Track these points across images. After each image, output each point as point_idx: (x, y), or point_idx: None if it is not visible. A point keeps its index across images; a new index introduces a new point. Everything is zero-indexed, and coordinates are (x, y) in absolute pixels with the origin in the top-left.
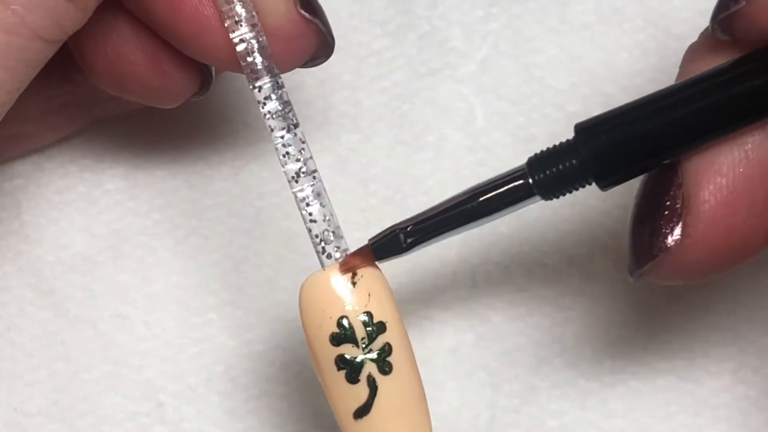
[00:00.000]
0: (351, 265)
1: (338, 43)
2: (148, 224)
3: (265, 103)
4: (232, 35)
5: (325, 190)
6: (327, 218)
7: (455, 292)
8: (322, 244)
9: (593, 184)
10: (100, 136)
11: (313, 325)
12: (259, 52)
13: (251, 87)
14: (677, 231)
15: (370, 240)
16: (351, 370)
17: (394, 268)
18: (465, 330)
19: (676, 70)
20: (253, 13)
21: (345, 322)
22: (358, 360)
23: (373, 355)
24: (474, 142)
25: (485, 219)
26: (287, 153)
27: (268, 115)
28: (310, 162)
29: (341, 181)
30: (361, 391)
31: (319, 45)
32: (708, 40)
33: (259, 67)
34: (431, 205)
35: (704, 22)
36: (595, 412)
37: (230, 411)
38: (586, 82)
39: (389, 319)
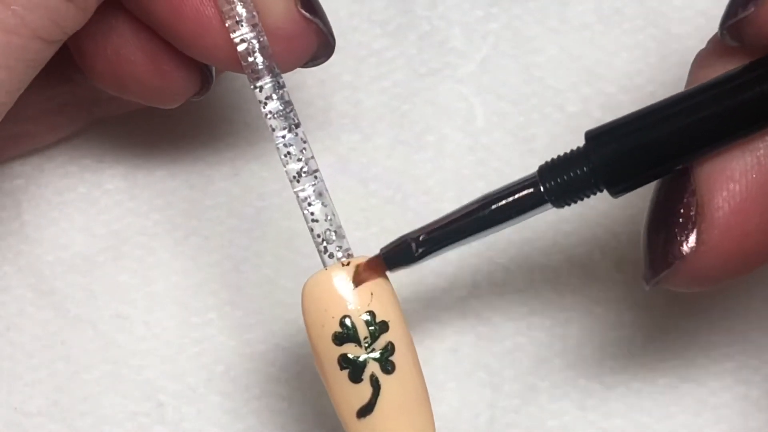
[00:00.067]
0: (363, 277)
1: (338, 42)
2: (148, 224)
3: (266, 103)
4: (232, 35)
5: (326, 190)
6: (329, 218)
7: (455, 292)
8: (324, 243)
9: (605, 191)
10: (100, 137)
11: (316, 325)
12: (260, 52)
13: (252, 87)
14: (692, 238)
15: (381, 250)
16: (354, 369)
17: None
18: (465, 330)
19: (676, 70)
20: (254, 13)
21: (347, 321)
22: (360, 359)
23: (376, 354)
24: (474, 141)
25: (497, 227)
26: (289, 153)
27: (269, 115)
28: (311, 162)
29: (342, 180)
30: (364, 390)
31: (319, 45)
32: (717, 47)
33: (260, 67)
34: (446, 213)
35: (704, 22)
36: (596, 412)
37: (230, 411)
38: (586, 82)
39: (392, 318)
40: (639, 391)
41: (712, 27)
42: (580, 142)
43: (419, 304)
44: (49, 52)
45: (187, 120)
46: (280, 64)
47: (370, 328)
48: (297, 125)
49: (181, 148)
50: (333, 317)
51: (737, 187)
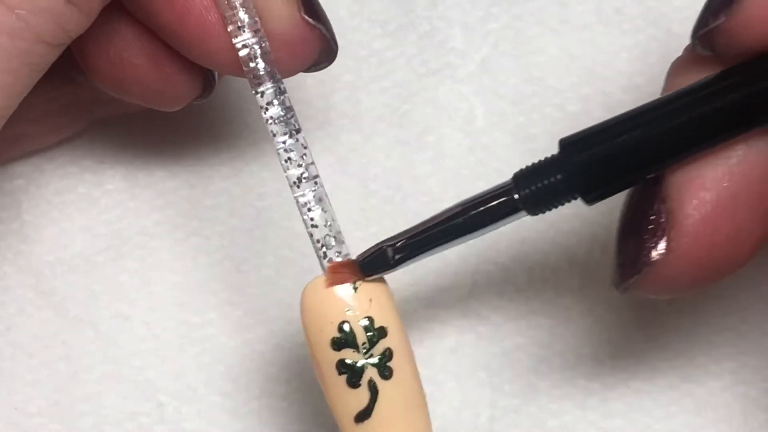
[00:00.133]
0: (334, 280)
1: (339, 43)
2: (148, 224)
3: (267, 109)
4: (234, 40)
5: (326, 195)
6: (328, 223)
7: (455, 291)
8: (324, 249)
9: (579, 199)
10: (101, 137)
11: (315, 330)
12: (262, 57)
13: (254, 92)
14: (661, 245)
15: (358, 256)
16: (352, 374)
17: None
18: (465, 330)
19: None
20: (256, 19)
21: (346, 326)
22: (359, 365)
23: (374, 359)
24: (474, 142)
25: (473, 234)
26: (289, 158)
27: (270, 121)
28: (311, 167)
29: (341, 180)
30: (362, 395)
31: (322, 50)
32: (691, 55)
33: (262, 72)
34: (422, 220)
35: None
36: (596, 411)
37: (231, 411)
38: (586, 82)
39: (390, 324)
40: (639, 390)
41: None
42: None
43: (419, 304)
44: (52, 56)
45: (188, 120)
46: (282, 69)
47: (369, 333)
48: (298, 131)
49: (182, 148)
50: (332, 322)
51: (708, 196)
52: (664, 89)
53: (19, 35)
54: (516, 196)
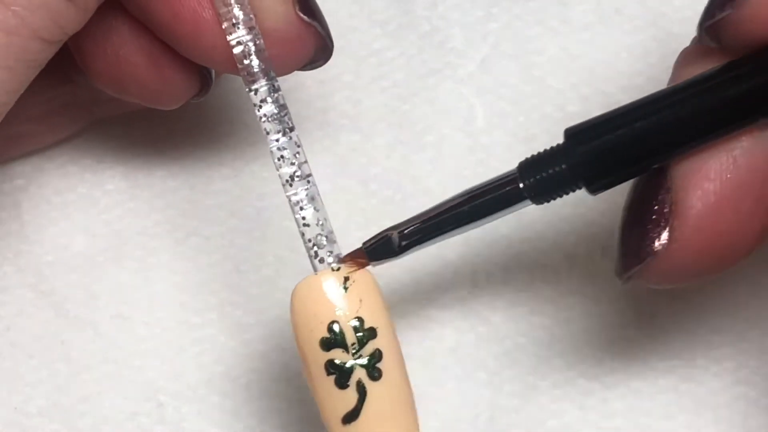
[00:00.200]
0: (344, 265)
1: (338, 43)
2: (148, 225)
3: (260, 106)
4: (229, 38)
5: (319, 195)
6: (320, 222)
7: (455, 292)
8: (315, 248)
9: (583, 188)
10: (101, 137)
11: (304, 329)
12: (256, 54)
13: (247, 90)
14: (664, 235)
15: (364, 243)
16: (340, 375)
17: (394, 268)
18: (465, 330)
19: None
20: (251, 16)
21: (335, 327)
22: (347, 365)
23: (363, 360)
24: (474, 142)
25: (477, 222)
26: (282, 156)
27: (263, 118)
28: (304, 166)
29: (341, 181)
30: (350, 396)
31: (317, 48)
32: (698, 46)
33: (256, 69)
34: (427, 208)
35: None
36: (596, 412)
37: (230, 411)
38: (586, 82)
39: (380, 325)
40: (639, 391)
41: None
42: None
43: (419, 304)
44: (49, 53)
45: (188, 121)
46: (277, 67)
47: (358, 334)
48: (291, 129)
49: (182, 148)
50: (321, 322)
51: (712, 187)
52: (671, 80)
53: (15, 32)
54: (521, 185)
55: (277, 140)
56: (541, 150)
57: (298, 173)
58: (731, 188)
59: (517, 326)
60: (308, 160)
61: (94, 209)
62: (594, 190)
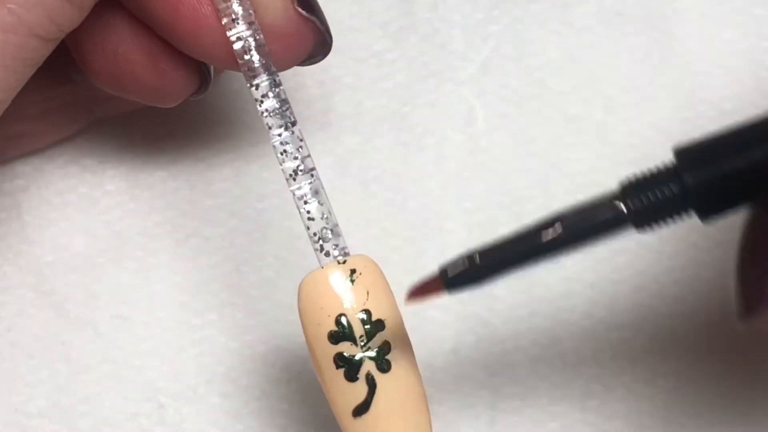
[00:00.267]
0: (420, 296)
1: (339, 44)
2: (148, 225)
3: (262, 101)
4: (229, 33)
5: (323, 188)
6: (325, 216)
7: (456, 293)
8: (320, 242)
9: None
10: (101, 137)
11: (312, 324)
12: (256, 49)
13: (248, 85)
14: None
15: (440, 268)
16: (350, 368)
17: (394, 268)
18: (465, 331)
19: (677, 73)
20: (251, 11)
21: (343, 320)
22: (356, 358)
23: (372, 353)
24: (475, 144)
25: (570, 251)
26: (285, 151)
27: (265, 113)
28: (308, 160)
29: (342, 182)
30: (360, 389)
31: (316, 43)
32: None
33: (256, 65)
34: (513, 231)
35: (706, 24)
36: (596, 413)
37: (231, 412)
38: (587, 84)
39: (388, 316)
40: (639, 393)
41: (714, 29)
42: (581, 143)
43: (419, 305)
44: (46, 51)
45: (188, 121)
46: (276, 62)
47: (366, 326)
48: (293, 123)
49: (182, 149)
50: (329, 316)
51: None
52: None
53: (11, 29)
54: (623, 209)
55: (280, 135)
56: (646, 170)
57: (301, 167)
58: None
59: (517, 328)
60: None
61: (94, 210)
62: (707, 218)
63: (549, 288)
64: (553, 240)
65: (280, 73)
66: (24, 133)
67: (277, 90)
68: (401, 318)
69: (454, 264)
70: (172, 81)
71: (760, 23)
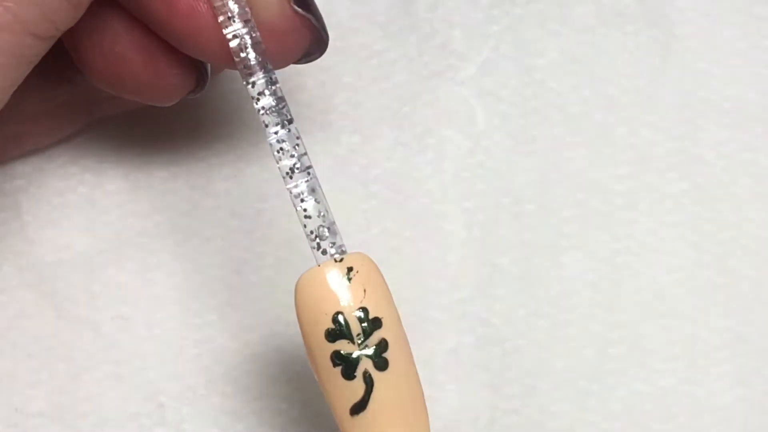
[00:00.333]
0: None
1: (339, 44)
2: (148, 225)
3: (258, 99)
4: (225, 31)
5: (320, 186)
6: (322, 214)
7: (455, 293)
8: (317, 240)
9: None
10: (101, 137)
11: (309, 322)
12: (253, 47)
13: (245, 83)
14: None
15: None
16: (347, 366)
17: (394, 268)
18: (465, 331)
19: (678, 72)
20: (247, 9)
21: (340, 318)
22: (353, 356)
23: (369, 351)
24: (475, 144)
25: None
26: (281, 149)
27: (261, 111)
28: (304, 158)
29: (342, 182)
30: (358, 387)
31: (312, 41)
32: None
33: (253, 62)
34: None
35: (707, 23)
36: (596, 413)
37: (231, 412)
38: (587, 84)
39: (385, 314)
40: (639, 392)
41: (714, 28)
42: (581, 143)
43: (419, 305)
44: (42, 49)
45: (189, 121)
46: (273, 60)
47: (363, 324)
48: (290, 121)
49: (182, 149)
50: (326, 314)
51: None
52: None
53: (7, 28)
54: None
55: (276, 133)
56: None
57: (297, 165)
58: None
59: (517, 328)
60: None
61: (94, 210)
62: None
63: (549, 288)
64: None
65: (278, 71)
66: (24, 133)
67: (273, 88)
68: (398, 316)
69: None
70: (169, 79)
71: (760, 23)
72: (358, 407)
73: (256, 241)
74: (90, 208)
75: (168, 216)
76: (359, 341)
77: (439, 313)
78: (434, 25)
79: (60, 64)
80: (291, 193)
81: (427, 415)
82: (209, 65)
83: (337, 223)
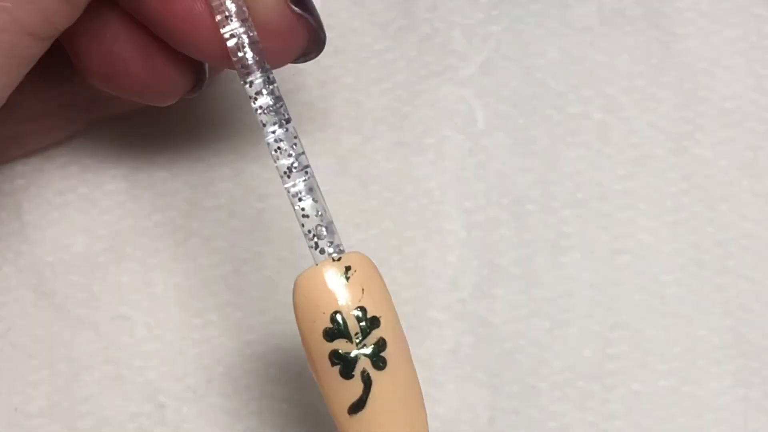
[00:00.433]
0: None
1: (339, 44)
2: (149, 225)
3: (256, 98)
4: (222, 30)
5: (318, 186)
6: (320, 213)
7: (455, 293)
8: (315, 239)
9: None
10: (101, 137)
11: (307, 321)
12: (250, 47)
13: (242, 82)
14: None
15: None
16: (345, 365)
17: (394, 268)
18: (465, 331)
19: (678, 72)
20: (244, 9)
21: (338, 317)
22: (351, 355)
23: (367, 350)
24: (474, 144)
25: None
26: (279, 148)
27: (259, 110)
28: (302, 157)
29: (341, 182)
30: (356, 386)
31: (310, 40)
32: None
33: (250, 62)
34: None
35: (707, 23)
36: (595, 413)
37: (231, 412)
38: (587, 83)
39: (383, 314)
40: (639, 392)
41: (714, 28)
42: (582, 143)
43: (419, 305)
44: (39, 49)
45: (189, 121)
46: (270, 59)
47: (361, 323)
48: (288, 120)
49: (183, 149)
50: (324, 313)
51: None
52: None
53: (4, 28)
54: None
55: (274, 132)
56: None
57: (295, 164)
58: None
59: (516, 328)
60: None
61: (94, 210)
62: None
63: (549, 288)
64: None
65: (278, 71)
66: (23, 133)
67: (271, 87)
68: (397, 315)
69: None
70: (167, 79)
71: (760, 23)
72: (357, 406)
73: (257, 241)
74: (90, 208)
75: (168, 216)
76: (357, 340)
77: (438, 313)
78: (434, 25)
79: (59, 64)
80: (289, 192)
81: (425, 414)
82: (207, 65)
83: (336, 223)
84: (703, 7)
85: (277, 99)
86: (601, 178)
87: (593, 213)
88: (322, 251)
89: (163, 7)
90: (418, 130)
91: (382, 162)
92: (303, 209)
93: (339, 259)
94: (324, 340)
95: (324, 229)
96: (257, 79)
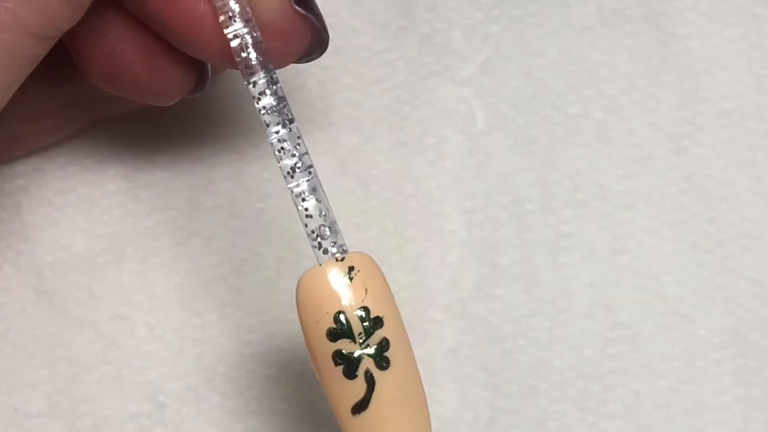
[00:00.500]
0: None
1: (339, 44)
2: (149, 225)
3: (259, 99)
4: (226, 31)
5: (321, 186)
6: (323, 213)
7: (455, 293)
8: (319, 239)
9: None
10: (101, 137)
11: (310, 321)
12: (254, 47)
13: (246, 83)
14: None
15: None
16: (348, 365)
17: (394, 268)
18: (465, 331)
19: (677, 72)
20: (247, 9)
21: (342, 317)
22: (355, 355)
23: (371, 350)
24: (474, 144)
25: None
26: (282, 148)
27: (263, 111)
28: (305, 157)
29: (342, 182)
30: (359, 386)
31: (313, 40)
32: None
33: (254, 62)
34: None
35: (706, 23)
36: (595, 413)
37: (231, 412)
38: (587, 83)
39: (386, 314)
40: (638, 392)
41: (714, 28)
42: (582, 143)
43: (419, 305)
44: (42, 50)
45: (189, 121)
46: (273, 59)
47: (365, 323)
48: (291, 120)
49: (183, 149)
50: (327, 313)
51: None
52: None
53: (7, 28)
54: None
55: (277, 132)
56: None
57: (299, 165)
58: None
59: (516, 328)
60: None
61: (94, 210)
62: None
63: (549, 288)
64: None
65: (279, 71)
66: (24, 133)
67: (274, 87)
68: (400, 315)
69: None
70: (169, 79)
71: (760, 23)
72: (360, 406)
73: (257, 241)
74: (90, 208)
75: (168, 216)
76: (361, 340)
77: (439, 313)
78: (434, 26)
79: (61, 64)
80: (292, 192)
81: (428, 414)
82: (210, 65)
83: (337, 223)
84: (703, 7)
85: (281, 99)
86: (601, 178)
87: (593, 213)
88: (326, 251)
89: (166, 7)
90: (418, 130)
91: (382, 162)
92: (306, 209)
93: (342, 259)
94: (327, 340)
95: (327, 229)
96: (261, 79)
